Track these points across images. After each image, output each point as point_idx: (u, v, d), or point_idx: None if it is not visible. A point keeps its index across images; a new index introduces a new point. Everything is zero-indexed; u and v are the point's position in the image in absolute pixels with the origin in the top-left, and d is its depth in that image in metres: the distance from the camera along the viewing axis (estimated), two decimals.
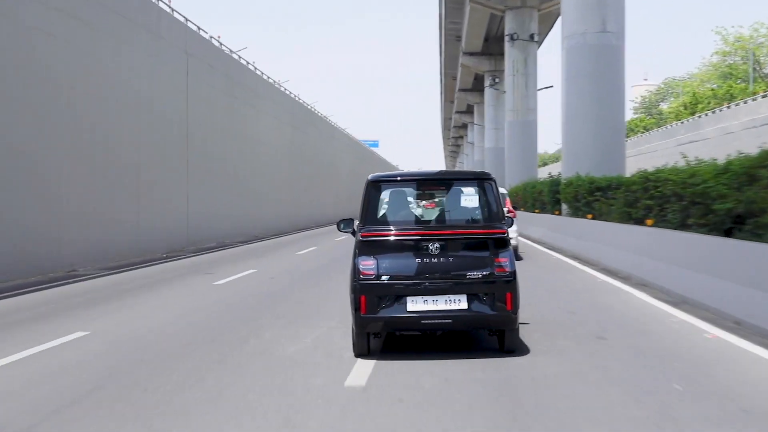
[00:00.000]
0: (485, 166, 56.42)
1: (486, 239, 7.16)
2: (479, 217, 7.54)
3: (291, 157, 40.04)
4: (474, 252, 7.12)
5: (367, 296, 6.91)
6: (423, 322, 6.94)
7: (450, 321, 6.93)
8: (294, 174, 40.63)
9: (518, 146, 39.55)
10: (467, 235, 7.25)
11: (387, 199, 7.70)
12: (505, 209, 18.17)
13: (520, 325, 7.30)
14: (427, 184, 8.05)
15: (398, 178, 7.73)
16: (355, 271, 7.04)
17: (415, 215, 7.92)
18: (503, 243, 7.14)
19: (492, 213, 7.42)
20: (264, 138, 34.59)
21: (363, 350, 7.20)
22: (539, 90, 40.03)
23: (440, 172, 8.21)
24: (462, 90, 68.42)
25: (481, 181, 7.59)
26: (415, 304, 6.90)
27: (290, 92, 41.66)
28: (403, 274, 6.97)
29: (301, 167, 42.55)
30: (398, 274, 6.97)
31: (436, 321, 6.94)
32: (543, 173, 43.39)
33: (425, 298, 6.91)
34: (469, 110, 77.76)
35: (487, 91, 53.83)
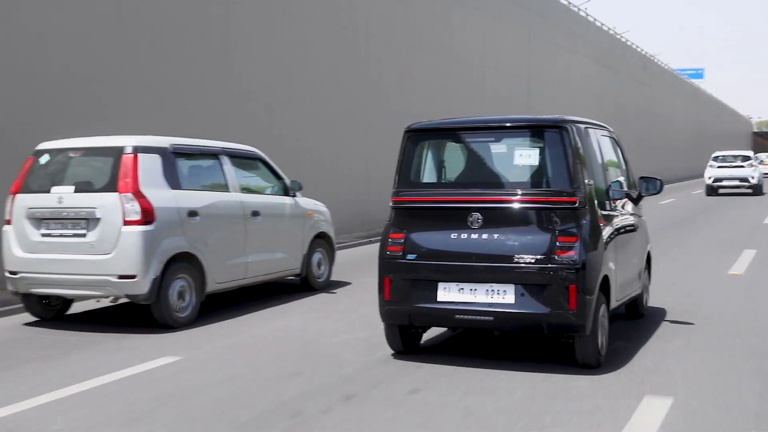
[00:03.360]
0: None
1: (549, 210, 5.62)
2: (544, 179, 5.85)
3: (619, 112, 34.90)
4: (530, 227, 5.65)
5: (392, 278, 5.89)
6: (457, 317, 5.74)
7: (491, 318, 5.63)
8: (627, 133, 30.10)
9: None
10: (522, 203, 5.70)
11: (429, 155, 6.31)
12: None
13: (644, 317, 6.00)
14: (478, 134, 6.30)
15: (442, 127, 6.46)
16: (382, 244, 6.07)
17: (461, 176, 6.33)
18: (574, 217, 5.58)
19: (561, 174, 5.70)
20: (569, 82, 30.28)
21: (396, 346, 6.18)
22: None
23: (495, 119, 6.33)
24: None
25: (550, 129, 5.85)
26: (448, 293, 5.72)
27: (592, 17, 35.17)
28: (436, 252, 5.81)
29: (632, 125, 36.92)
30: (429, 251, 5.82)
31: (474, 317, 5.67)
32: None
33: (461, 286, 5.69)
34: None
35: None
